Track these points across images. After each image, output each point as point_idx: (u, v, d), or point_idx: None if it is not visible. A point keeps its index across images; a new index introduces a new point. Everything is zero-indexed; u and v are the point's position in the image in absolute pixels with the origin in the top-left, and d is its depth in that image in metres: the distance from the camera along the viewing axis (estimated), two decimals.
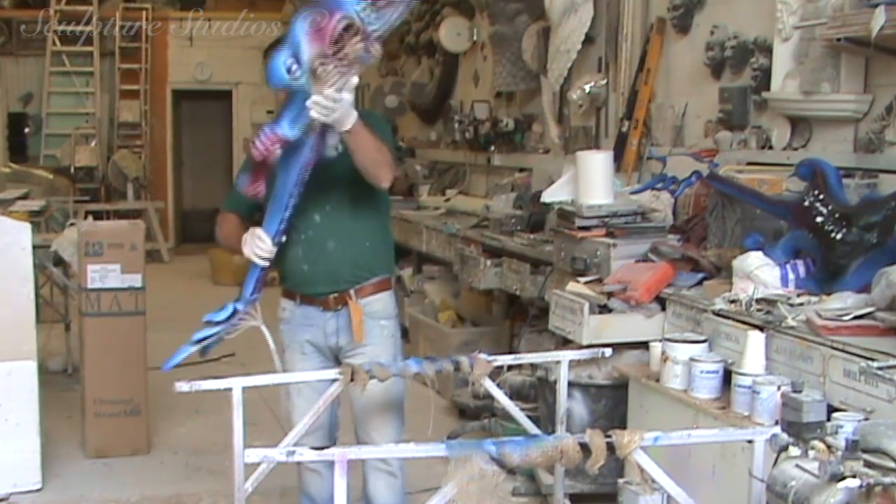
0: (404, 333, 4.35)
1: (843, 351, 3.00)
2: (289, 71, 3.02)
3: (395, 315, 3.58)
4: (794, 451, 2.24)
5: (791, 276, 3.55)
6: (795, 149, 4.27)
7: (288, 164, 3.19)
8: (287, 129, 3.09)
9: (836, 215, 3.49)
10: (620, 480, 3.33)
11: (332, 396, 3.25)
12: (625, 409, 3.92)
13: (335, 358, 3.52)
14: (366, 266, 3.48)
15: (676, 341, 3.58)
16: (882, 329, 3.06)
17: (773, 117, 4.41)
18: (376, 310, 3.49)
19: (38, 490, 4.62)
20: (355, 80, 3.06)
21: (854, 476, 1.97)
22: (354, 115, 3.11)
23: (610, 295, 4.03)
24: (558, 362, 3.52)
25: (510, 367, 4.57)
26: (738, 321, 3.44)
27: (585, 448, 2.45)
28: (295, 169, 3.19)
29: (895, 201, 3.39)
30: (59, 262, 6.04)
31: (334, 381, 3.25)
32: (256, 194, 3.30)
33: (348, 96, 3.05)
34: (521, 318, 5.58)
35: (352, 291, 3.45)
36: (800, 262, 3.58)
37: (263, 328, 3.39)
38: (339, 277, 3.44)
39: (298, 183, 3.22)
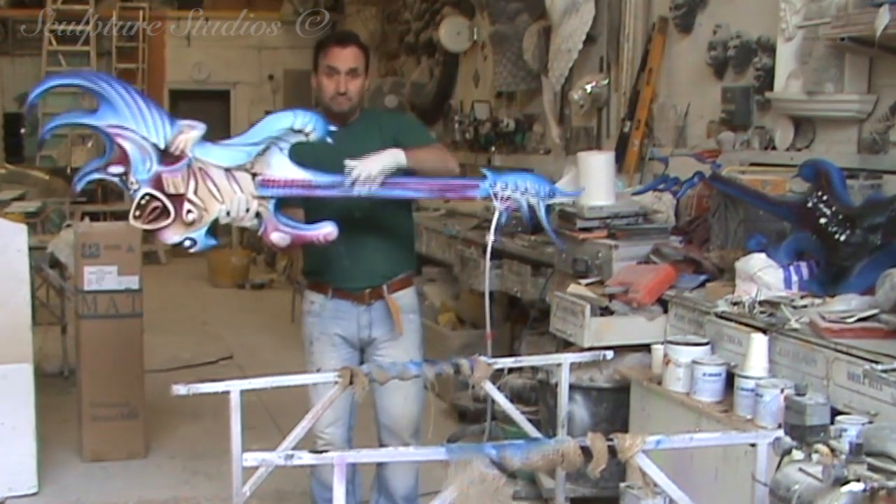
0: None
1: (846, 353, 2.99)
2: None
3: (418, 309, 3.76)
4: (798, 454, 2.23)
5: (794, 277, 3.53)
6: (799, 149, 4.26)
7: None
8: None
9: (840, 216, 3.47)
10: (622, 484, 3.27)
11: (331, 400, 3.22)
12: (626, 413, 3.90)
13: (362, 350, 3.66)
14: (399, 262, 3.65)
15: (679, 344, 3.56)
16: (886, 331, 3.05)
17: (776, 118, 4.41)
18: (405, 303, 3.65)
19: (34, 494, 4.60)
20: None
21: (858, 480, 1.96)
22: (401, 156, 3.28)
23: (611, 297, 4.01)
24: (559, 365, 3.50)
25: (511, 370, 4.57)
26: (740, 323, 3.43)
27: (587, 451, 2.43)
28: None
29: None
30: (55, 263, 6.01)
31: (333, 383, 3.23)
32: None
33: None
34: (521, 320, 5.56)
35: (385, 286, 3.58)
36: (803, 264, 3.56)
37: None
38: (377, 273, 3.59)
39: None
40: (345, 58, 3.49)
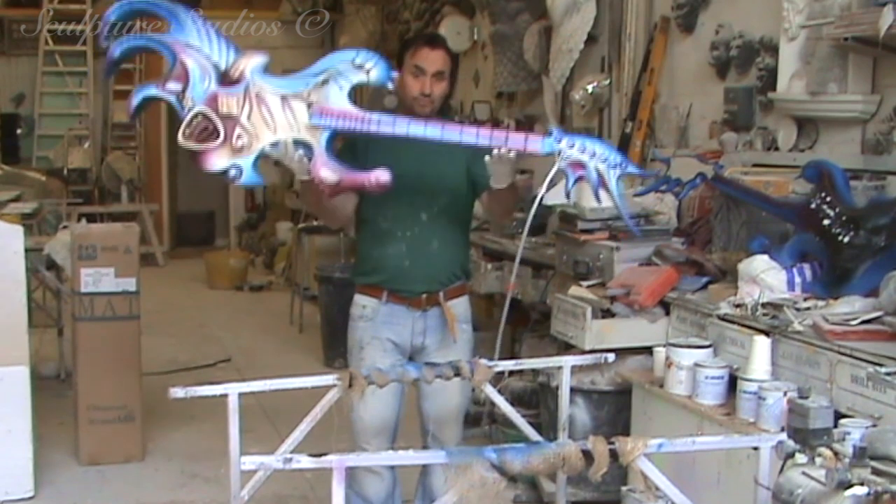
0: None
1: (850, 356, 2.98)
2: None
3: (471, 319, 3.68)
4: (801, 458, 2.23)
5: (797, 279, 3.53)
6: (802, 150, 4.26)
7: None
8: None
9: (844, 218, 3.47)
10: (624, 488, 3.29)
11: (329, 403, 3.20)
12: (628, 416, 3.90)
13: (411, 358, 3.58)
14: (458, 269, 3.59)
15: (681, 346, 3.55)
16: (890, 334, 3.04)
17: (779, 118, 4.41)
18: (459, 312, 3.59)
19: (30, 498, 4.57)
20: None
21: (862, 484, 1.97)
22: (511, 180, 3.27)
23: (613, 299, 4.01)
24: (560, 368, 3.49)
25: (511, 373, 4.55)
26: (743, 326, 3.42)
27: (588, 455, 2.42)
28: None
29: None
30: (51, 265, 5.98)
31: (332, 386, 3.20)
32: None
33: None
34: (522, 322, 5.53)
35: (442, 293, 3.52)
36: (806, 266, 3.55)
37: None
38: (435, 278, 3.52)
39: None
40: (433, 59, 3.42)
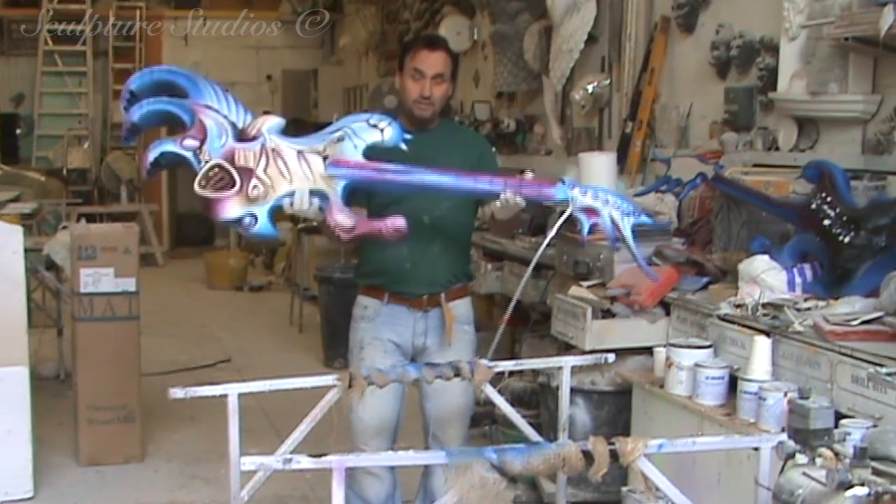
0: None
1: (850, 356, 2.98)
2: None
3: (474, 320, 3.68)
4: (801, 458, 2.23)
5: (798, 280, 3.52)
6: (802, 150, 4.25)
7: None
8: None
9: (844, 218, 3.46)
10: (624, 489, 3.31)
11: (329, 403, 3.20)
12: (628, 416, 3.89)
13: (412, 359, 3.57)
14: (459, 270, 3.59)
15: (681, 346, 3.55)
16: (891, 334, 3.03)
17: (779, 118, 4.40)
18: (461, 314, 3.59)
19: (29, 498, 4.57)
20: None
21: (862, 484, 1.97)
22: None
23: (613, 299, 4.00)
24: (560, 368, 3.48)
25: (511, 373, 4.54)
26: (743, 326, 3.42)
27: (588, 456, 2.42)
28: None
29: None
30: (51, 265, 5.98)
31: (332, 387, 3.19)
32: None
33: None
34: (522, 322, 5.53)
35: (443, 294, 3.52)
36: (807, 266, 3.54)
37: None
38: (437, 279, 3.52)
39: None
40: (433, 62, 3.41)
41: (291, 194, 3.05)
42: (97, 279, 4.98)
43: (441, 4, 8.46)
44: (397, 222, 3.08)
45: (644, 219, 3.17)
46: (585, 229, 3.12)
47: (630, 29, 5.58)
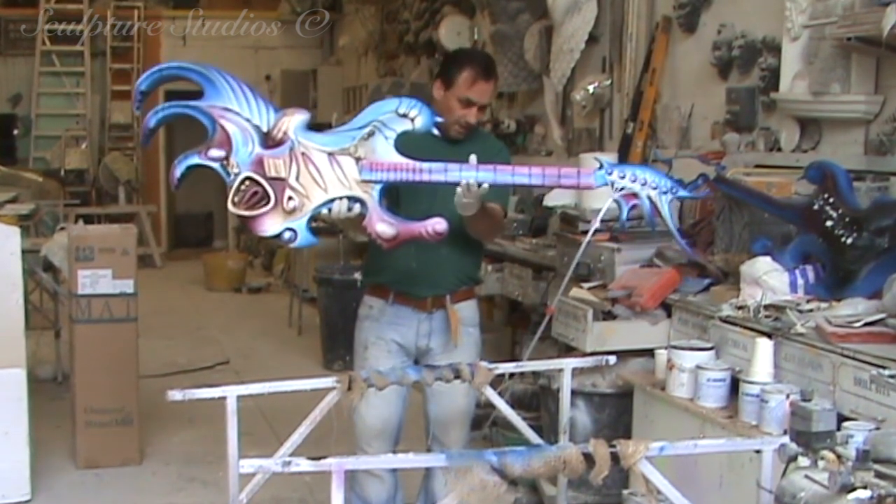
0: None
1: (853, 358, 2.97)
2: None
3: (479, 323, 3.67)
4: (804, 461, 2.21)
5: (800, 281, 3.51)
6: (805, 151, 4.25)
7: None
8: None
9: (847, 219, 3.45)
10: (625, 491, 3.28)
11: (328, 405, 3.18)
12: (629, 419, 3.88)
13: (416, 360, 3.57)
14: (466, 273, 3.58)
15: (682, 349, 3.54)
16: (894, 336, 3.03)
17: (781, 119, 4.40)
18: (466, 316, 3.56)
19: (27, 501, 4.56)
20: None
21: (865, 487, 1.96)
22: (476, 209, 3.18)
23: (614, 301, 3.99)
24: (561, 370, 3.47)
25: (512, 375, 4.53)
26: (745, 328, 3.41)
27: (589, 458, 2.41)
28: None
29: None
30: (48, 267, 5.97)
31: (332, 389, 3.18)
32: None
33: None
34: (522, 324, 5.52)
35: (448, 296, 3.50)
36: (809, 268, 3.53)
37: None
38: (443, 281, 3.51)
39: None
40: (487, 93, 3.41)
41: (329, 202, 3.00)
42: (95, 280, 4.96)
43: (441, 4, 8.45)
44: (438, 226, 3.02)
45: (683, 192, 3.11)
46: (624, 214, 3.07)
47: (631, 29, 5.57)
